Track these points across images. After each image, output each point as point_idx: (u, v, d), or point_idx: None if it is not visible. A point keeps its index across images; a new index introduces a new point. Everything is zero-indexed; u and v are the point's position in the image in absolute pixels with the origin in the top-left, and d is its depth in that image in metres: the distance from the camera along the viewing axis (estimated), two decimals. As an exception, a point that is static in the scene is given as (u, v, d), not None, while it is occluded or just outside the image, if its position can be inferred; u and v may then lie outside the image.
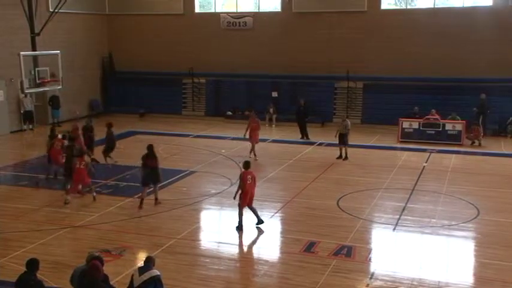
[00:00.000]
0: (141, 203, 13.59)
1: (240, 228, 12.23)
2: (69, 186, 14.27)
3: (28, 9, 21.50)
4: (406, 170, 17.82)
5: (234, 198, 12.44)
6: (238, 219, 12.28)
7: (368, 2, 25.78)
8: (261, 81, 27.42)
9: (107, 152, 18.00)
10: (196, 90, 28.86)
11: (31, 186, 15.71)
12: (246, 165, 12.46)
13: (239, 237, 12.04)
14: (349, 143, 19.20)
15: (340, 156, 19.00)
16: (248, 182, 12.16)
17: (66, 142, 15.99)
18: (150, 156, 13.74)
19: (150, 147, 13.92)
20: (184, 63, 28.01)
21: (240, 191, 12.26)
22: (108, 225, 12.48)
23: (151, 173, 13.65)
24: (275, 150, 20.64)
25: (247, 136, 19.06)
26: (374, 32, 25.67)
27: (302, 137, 22.74)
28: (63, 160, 15.35)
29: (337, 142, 19.19)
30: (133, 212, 13.44)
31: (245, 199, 12.21)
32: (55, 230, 12.11)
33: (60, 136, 16.80)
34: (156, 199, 13.88)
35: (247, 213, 13.30)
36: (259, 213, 12.58)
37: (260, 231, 12.29)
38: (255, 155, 18.68)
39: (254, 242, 11.88)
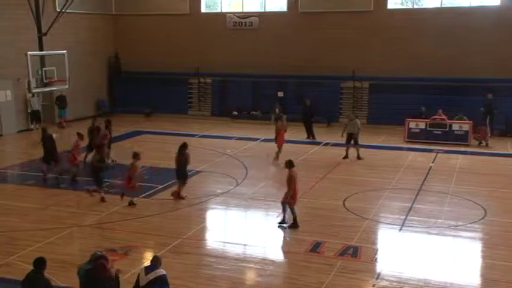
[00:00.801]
0: (178, 195, 14.26)
1: (296, 225, 12.22)
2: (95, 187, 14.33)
3: (35, 9, 21.61)
4: (413, 170, 17.76)
5: (286, 198, 12.26)
6: (293, 216, 12.26)
7: (374, 2, 25.72)
8: (266, 81, 27.42)
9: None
10: (202, 90, 28.91)
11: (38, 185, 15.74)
12: (291, 164, 12.41)
13: (246, 237, 12.05)
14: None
15: (346, 156, 18.97)
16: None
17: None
18: (179, 152, 14.27)
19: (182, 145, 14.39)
20: (190, 63, 28.04)
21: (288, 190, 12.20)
22: (114, 225, 12.52)
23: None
24: (281, 150, 20.60)
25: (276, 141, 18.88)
26: (380, 31, 25.61)
27: (308, 137, 22.72)
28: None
29: (345, 142, 19.13)
30: (139, 211, 13.47)
31: (296, 197, 12.22)
32: (62, 229, 12.16)
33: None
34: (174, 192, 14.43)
35: (258, 211, 13.34)
36: (266, 212, 12.57)
37: (282, 231, 12.28)
38: (277, 157, 18.43)
39: (260, 242, 11.86)
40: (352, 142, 19.06)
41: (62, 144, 17.86)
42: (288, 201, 12.29)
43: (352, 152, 19.03)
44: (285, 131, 19.22)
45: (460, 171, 17.74)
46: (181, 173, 14.38)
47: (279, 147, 18.70)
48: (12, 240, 11.55)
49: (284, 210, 12.43)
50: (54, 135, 17.04)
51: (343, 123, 20.22)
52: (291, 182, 12.18)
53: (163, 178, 16.19)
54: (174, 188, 14.69)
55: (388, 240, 12.03)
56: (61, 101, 25.57)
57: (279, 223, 12.49)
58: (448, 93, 24.21)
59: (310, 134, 22.82)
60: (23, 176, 16.90)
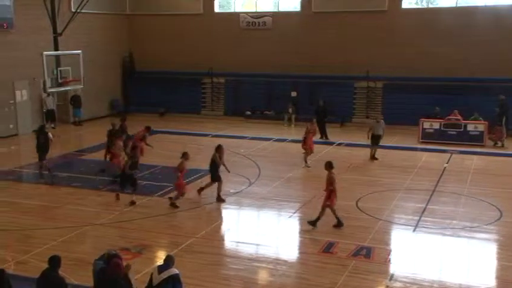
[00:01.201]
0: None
1: (341, 224, 12.20)
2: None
3: (51, 9, 21.83)
4: (427, 170, 17.63)
5: (331, 201, 12.19)
6: (335, 217, 12.22)
7: (389, 2, 25.58)
8: (280, 81, 27.39)
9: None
10: (216, 90, 28.97)
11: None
12: (331, 165, 12.40)
13: (259, 237, 12.06)
14: (369, 143, 19.09)
15: (374, 158, 18.84)
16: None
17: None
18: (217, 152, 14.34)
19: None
20: (204, 63, 28.12)
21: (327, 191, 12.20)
22: (127, 224, 12.59)
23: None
24: (294, 150, 20.56)
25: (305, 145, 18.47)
26: (394, 31, 25.45)
27: (321, 137, 22.65)
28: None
29: (370, 143, 18.97)
30: (152, 210, 13.54)
31: (335, 198, 12.19)
32: (76, 228, 12.26)
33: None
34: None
35: (271, 211, 13.35)
36: (279, 212, 12.56)
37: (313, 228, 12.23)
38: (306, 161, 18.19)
39: (273, 241, 11.86)
40: (376, 143, 18.84)
41: (66, 145, 17.91)
42: (327, 205, 12.16)
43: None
44: (314, 134, 18.94)
45: (475, 172, 17.57)
46: (214, 173, 14.27)
47: (308, 150, 18.25)
48: (28, 239, 11.68)
49: (322, 213, 12.26)
50: (50, 135, 17.12)
51: (369, 125, 19.68)
52: (329, 183, 12.12)
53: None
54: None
55: (401, 241, 11.95)
56: (76, 100, 25.79)
57: (310, 222, 12.35)
58: (464, 94, 24.00)
59: (323, 134, 22.76)
60: (38, 175, 17.05)
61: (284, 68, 26.78)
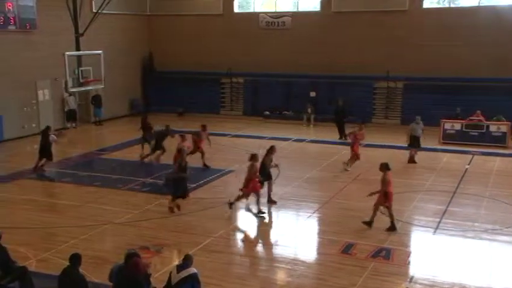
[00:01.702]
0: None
1: (394, 228, 12.09)
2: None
3: (73, 10, 22.13)
4: (448, 172, 17.42)
5: (387, 204, 12.09)
6: (390, 220, 12.11)
7: (409, 1, 25.33)
8: (299, 81, 27.33)
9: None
10: (235, 90, 29.03)
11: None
12: (387, 167, 12.32)
13: (276, 237, 12.04)
14: (390, 144, 18.88)
15: (413, 161, 18.40)
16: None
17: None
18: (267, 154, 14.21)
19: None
20: (223, 63, 28.19)
21: (378, 192, 12.15)
22: (147, 223, 12.69)
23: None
24: (313, 151, 20.55)
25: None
26: (415, 31, 25.20)
27: (341, 138, 22.54)
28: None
29: (409, 145, 18.53)
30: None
31: (391, 199, 12.10)
32: (96, 226, 12.40)
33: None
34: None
35: (290, 211, 13.32)
36: (297, 212, 12.53)
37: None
38: (348, 164, 17.64)
39: (291, 242, 11.84)
40: (415, 145, 18.45)
41: (86, 144, 18.08)
42: (386, 205, 12.09)
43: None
44: (362, 139, 18.23)
45: (497, 173, 17.30)
46: (265, 174, 14.03)
47: (355, 155, 17.59)
48: (50, 236, 11.84)
49: (375, 214, 12.20)
50: (52, 136, 17.37)
51: (409, 127, 19.04)
52: (384, 184, 12.03)
53: (196, 177, 16.33)
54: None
55: (421, 243, 11.82)
56: (96, 100, 26.08)
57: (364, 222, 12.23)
58: (486, 94, 23.65)
59: (342, 134, 22.64)
60: (60, 174, 17.29)
61: (303, 68, 26.71)
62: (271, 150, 14.35)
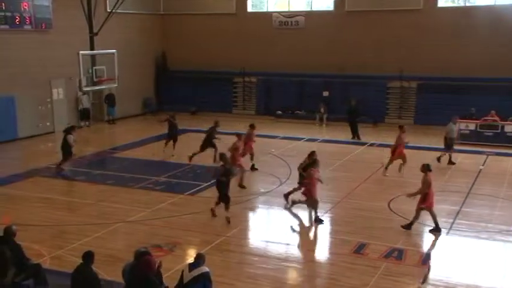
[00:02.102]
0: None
1: (438, 229, 12.01)
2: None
3: (87, 10, 22.30)
4: (462, 172, 17.27)
5: (429, 204, 11.97)
6: (434, 222, 12.02)
7: (424, 0, 25.13)
8: (312, 81, 27.26)
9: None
10: (247, 89, 29.03)
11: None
12: (428, 168, 12.27)
13: (288, 236, 12.02)
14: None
15: (452, 162, 18.15)
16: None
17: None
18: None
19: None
20: (236, 62, 28.20)
21: (417, 194, 12.09)
22: (159, 221, 12.75)
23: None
24: (326, 150, 20.43)
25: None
26: (429, 30, 24.99)
27: (353, 137, 22.45)
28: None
29: (446, 147, 18.32)
30: (183, 208, 13.66)
31: (432, 200, 12.03)
32: (109, 224, 12.47)
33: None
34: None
35: (301, 210, 13.28)
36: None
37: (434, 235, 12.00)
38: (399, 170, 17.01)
39: (303, 241, 11.81)
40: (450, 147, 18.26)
41: (100, 143, 18.13)
42: (424, 207, 12.00)
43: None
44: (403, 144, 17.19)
45: (512, 174, 17.11)
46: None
47: (399, 159, 16.87)
48: (63, 234, 11.94)
49: (418, 215, 12.09)
50: (70, 139, 17.08)
51: (446, 128, 18.44)
52: (425, 186, 11.95)
53: (207, 176, 16.37)
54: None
55: (435, 244, 11.72)
56: (110, 99, 26.24)
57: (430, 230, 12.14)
58: (501, 94, 23.40)
59: (355, 134, 22.55)
60: (73, 172, 17.43)
61: (316, 67, 26.63)
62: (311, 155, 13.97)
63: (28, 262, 8.98)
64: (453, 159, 18.36)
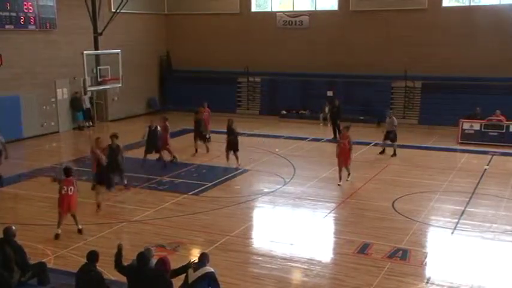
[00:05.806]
0: None
1: None
2: None
3: (92, 10, 22.29)
4: (466, 172, 17.21)
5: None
6: None
7: (429, 0, 25.06)
8: (316, 81, 27.23)
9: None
10: (251, 89, 29.02)
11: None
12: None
13: (293, 236, 12.01)
14: (409, 144, 18.76)
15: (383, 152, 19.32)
16: None
17: None
18: None
19: None
20: (240, 62, 28.21)
21: None
22: (163, 221, 12.76)
23: None
24: (330, 150, 20.39)
25: None
26: (434, 30, 24.92)
27: (334, 137, 22.05)
28: None
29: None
30: (188, 208, 13.68)
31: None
32: (113, 224, 12.50)
33: None
34: None
35: (306, 210, 13.28)
36: (314, 212, 12.46)
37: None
38: None
39: (307, 241, 11.80)
40: None
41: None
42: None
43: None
44: None
45: (517, 174, 17.04)
46: None
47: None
48: (67, 234, 11.95)
49: None
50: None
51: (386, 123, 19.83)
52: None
53: (212, 176, 16.41)
54: None
55: (439, 244, 11.68)
56: (74, 103, 24.71)
57: None
58: (506, 94, 23.31)
59: (335, 135, 22.06)
60: (77, 172, 17.42)
61: (320, 67, 26.60)
62: None
63: (29, 262, 8.99)
64: (456, 159, 18.30)
